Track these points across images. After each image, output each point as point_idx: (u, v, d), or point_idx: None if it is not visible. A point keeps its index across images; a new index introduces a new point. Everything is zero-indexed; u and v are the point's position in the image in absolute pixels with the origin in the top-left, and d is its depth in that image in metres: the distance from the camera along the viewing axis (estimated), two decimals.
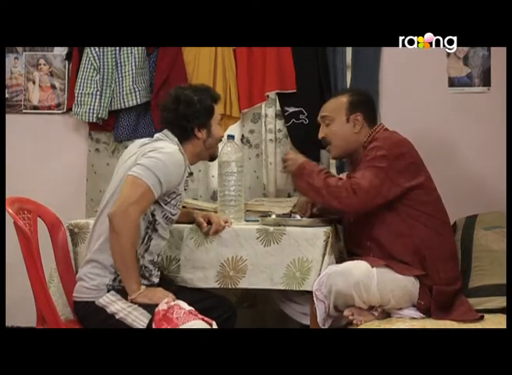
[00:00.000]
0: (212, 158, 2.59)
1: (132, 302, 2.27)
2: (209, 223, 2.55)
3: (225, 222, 2.55)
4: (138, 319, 2.23)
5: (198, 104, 2.43)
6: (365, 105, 2.68)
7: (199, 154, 2.51)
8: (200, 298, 2.39)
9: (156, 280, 2.47)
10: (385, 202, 2.49)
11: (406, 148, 2.55)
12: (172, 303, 2.22)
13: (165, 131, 2.47)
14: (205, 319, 2.19)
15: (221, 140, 2.59)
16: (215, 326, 2.19)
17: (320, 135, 2.72)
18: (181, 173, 2.35)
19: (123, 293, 2.30)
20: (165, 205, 2.37)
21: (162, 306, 2.20)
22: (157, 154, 2.30)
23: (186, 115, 2.43)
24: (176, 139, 2.45)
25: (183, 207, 2.60)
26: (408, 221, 2.51)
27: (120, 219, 2.21)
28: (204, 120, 2.46)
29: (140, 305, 2.26)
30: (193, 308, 2.22)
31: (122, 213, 2.21)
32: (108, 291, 2.31)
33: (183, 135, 2.45)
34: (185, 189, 2.46)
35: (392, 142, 2.54)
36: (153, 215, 2.36)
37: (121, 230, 2.22)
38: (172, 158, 2.32)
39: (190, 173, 2.50)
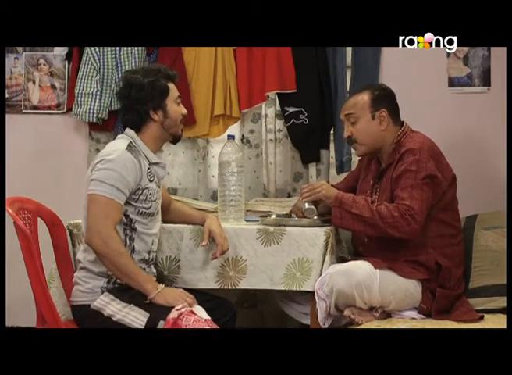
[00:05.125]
0: (175, 139, 2.52)
1: (128, 302, 2.27)
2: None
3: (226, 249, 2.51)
4: (136, 318, 2.23)
5: (149, 87, 2.39)
6: (388, 100, 2.64)
7: (160, 137, 2.46)
8: (200, 300, 2.38)
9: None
10: None
11: (438, 153, 2.55)
12: (184, 310, 2.21)
13: (127, 130, 2.46)
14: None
15: (183, 118, 2.50)
16: None
17: (346, 134, 2.65)
18: (135, 171, 2.32)
19: (117, 292, 2.30)
20: (135, 202, 2.36)
21: (173, 314, 2.19)
22: (104, 164, 2.30)
23: (139, 99, 2.40)
24: (132, 132, 2.43)
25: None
26: (425, 232, 2.49)
27: (97, 241, 2.23)
28: (158, 101, 2.42)
29: (137, 304, 2.26)
30: (209, 318, 2.21)
31: (96, 235, 2.23)
32: (103, 293, 2.32)
33: (141, 119, 2.42)
34: (151, 180, 2.40)
35: (427, 151, 2.50)
36: (127, 216, 2.36)
37: (103, 251, 2.23)
38: (119, 162, 2.30)
39: (155, 163, 2.44)
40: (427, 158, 2.47)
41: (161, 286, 2.29)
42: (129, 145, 2.37)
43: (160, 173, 2.48)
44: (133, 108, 2.41)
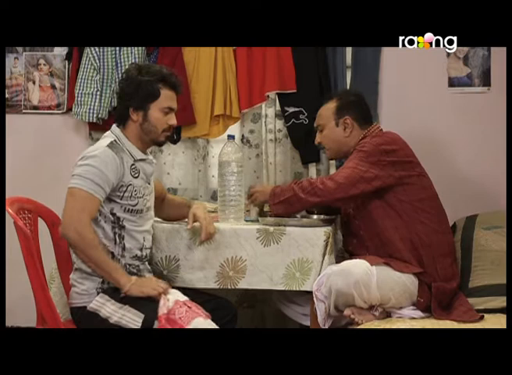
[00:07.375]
0: (156, 143, 2.48)
1: (122, 302, 2.26)
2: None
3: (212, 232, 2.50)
4: (132, 319, 2.22)
5: (139, 84, 2.36)
6: (354, 106, 2.72)
7: (141, 138, 2.42)
8: (201, 301, 2.38)
9: (148, 274, 2.46)
10: (372, 191, 2.53)
11: (396, 146, 2.59)
12: (171, 304, 2.21)
13: (113, 127, 2.46)
14: (202, 312, 2.20)
15: (168, 128, 2.44)
16: (211, 323, 2.19)
17: (316, 141, 2.82)
18: (116, 168, 2.31)
19: (112, 292, 2.30)
20: (121, 199, 2.35)
21: (162, 311, 2.19)
22: (85, 160, 2.30)
23: (126, 94, 2.39)
24: (117, 130, 2.42)
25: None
26: (405, 217, 2.54)
27: (72, 234, 2.22)
28: (140, 102, 2.38)
29: (132, 305, 2.25)
30: (187, 299, 2.22)
31: (70, 226, 2.22)
32: (98, 294, 2.31)
33: (123, 115, 2.42)
34: (135, 176, 2.38)
35: (381, 139, 2.59)
36: (113, 214, 2.35)
37: (77, 243, 2.23)
38: (99, 159, 2.29)
39: (141, 159, 2.42)
40: (376, 142, 2.57)
41: (134, 278, 2.30)
42: (111, 142, 2.36)
43: (147, 169, 2.45)
44: (120, 101, 2.45)
